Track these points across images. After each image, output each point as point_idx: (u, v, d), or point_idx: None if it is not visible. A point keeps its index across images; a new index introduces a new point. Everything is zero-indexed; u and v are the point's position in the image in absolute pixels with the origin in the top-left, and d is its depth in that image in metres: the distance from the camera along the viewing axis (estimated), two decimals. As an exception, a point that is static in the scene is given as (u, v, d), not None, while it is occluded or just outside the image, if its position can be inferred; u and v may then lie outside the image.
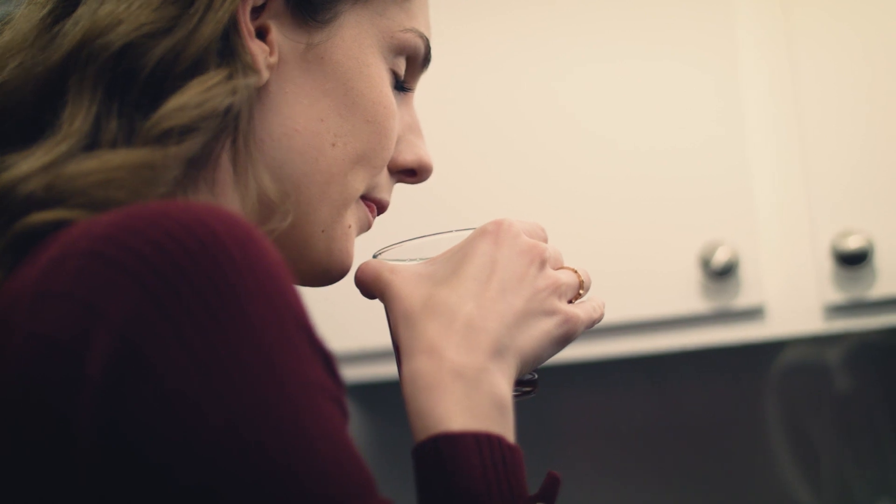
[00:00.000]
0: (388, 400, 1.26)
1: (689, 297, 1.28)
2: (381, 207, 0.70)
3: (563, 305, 0.64)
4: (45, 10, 0.61)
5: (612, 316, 1.30)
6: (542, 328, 0.62)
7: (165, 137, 0.55)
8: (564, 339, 0.64)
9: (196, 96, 0.56)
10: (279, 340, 0.47)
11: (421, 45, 0.68)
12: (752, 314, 1.27)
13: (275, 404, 0.46)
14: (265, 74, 0.61)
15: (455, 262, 0.62)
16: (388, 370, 1.36)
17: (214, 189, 0.60)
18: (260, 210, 0.61)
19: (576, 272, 0.67)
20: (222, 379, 0.45)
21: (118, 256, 0.46)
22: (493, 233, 0.62)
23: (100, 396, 0.44)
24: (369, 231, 0.70)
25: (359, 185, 0.66)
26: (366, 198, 0.68)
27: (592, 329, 1.30)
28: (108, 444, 0.44)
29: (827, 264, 1.23)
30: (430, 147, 0.72)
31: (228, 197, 0.60)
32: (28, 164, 0.54)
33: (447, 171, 1.38)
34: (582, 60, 1.37)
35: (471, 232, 0.64)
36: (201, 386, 0.45)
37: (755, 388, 1.54)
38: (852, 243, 1.20)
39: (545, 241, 0.67)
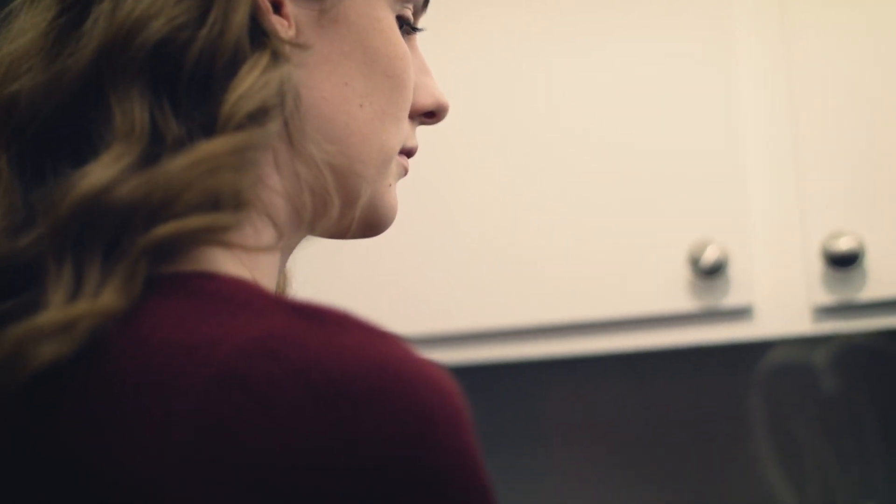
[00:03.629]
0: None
1: (677, 295, 1.28)
2: (412, 153, 0.72)
3: None
4: (51, 13, 0.59)
5: (599, 312, 1.31)
6: None
7: (251, 120, 0.55)
8: None
9: (259, 78, 0.56)
10: None
11: None
12: (741, 314, 1.27)
13: None
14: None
15: None
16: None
17: (281, 170, 0.60)
18: (336, 181, 0.62)
19: None
20: None
21: (321, 401, 0.46)
22: None
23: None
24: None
25: (393, 141, 0.67)
26: (400, 151, 0.69)
27: (580, 325, 1.30)
28: None
29: (817, 265, 1.23)
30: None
31: (292, 176, 0.61)
32: (102, 171, 0.52)
33: (432, 167, 1.37)
34: (570, 56, 1.36)
35: None
36: None
37: (741, 387, 1.53)
38: (843, 245, 1.19)
39: None
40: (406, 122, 0.69)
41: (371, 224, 0.69)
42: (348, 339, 0.48)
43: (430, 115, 0.72)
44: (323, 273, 1.35)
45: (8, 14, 0.63)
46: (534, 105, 1.37)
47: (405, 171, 0.71)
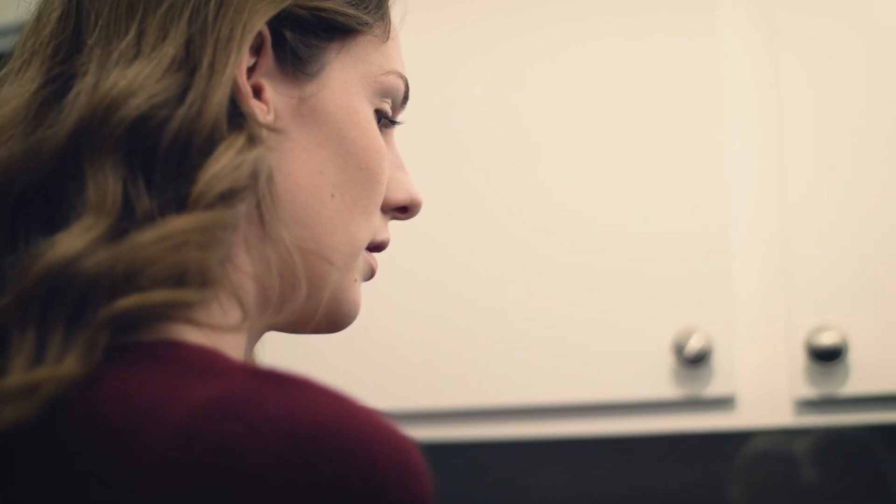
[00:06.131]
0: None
1: (660, 382, 1.28)
2: (383, 247, 0.72)
3: None
4: (35, 85, 0.60)
5: (583, 396, 1.31)
6: None
7: (222, 200, 0.56)
8: None
9: (233, 159, 0.57)
10: None
11: (401, 84, 0.70)
12: (723, 404, 1.27)
13: None
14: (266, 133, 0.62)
15: None
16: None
17: (251, 251, 0.61)
18: (305, 265, 0.63)
19: None
20: None
21: (284, 463, 0.47)
22: None
23: None
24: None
25: (362, 234, 0.67)
26: (369, 246, 0.70)
27: (563, 407, 1.30)
28: None
29: (800, 359, 1.23)
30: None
31: (261, 258, 0.61)
32: (70, 242, 0.53)
33: (416, 252, 1.38)
34: (560, 143, 1.38)
35: None
36: None
37: (721, 475, 1.53)
38: (827, 339, 1.20)
39: None
40: (377, 216, 0.69)
41: (333, 319, 0.69)
42: (303, 398, 0.49)
43: (403, 210, 0.73)
44: (311, 348, 1.35)
45: None
46: (519, 196, 1.38)
47: (372, 272, 0.71)
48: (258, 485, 0.45)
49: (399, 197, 0.72)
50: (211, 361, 0.52)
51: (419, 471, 0.49)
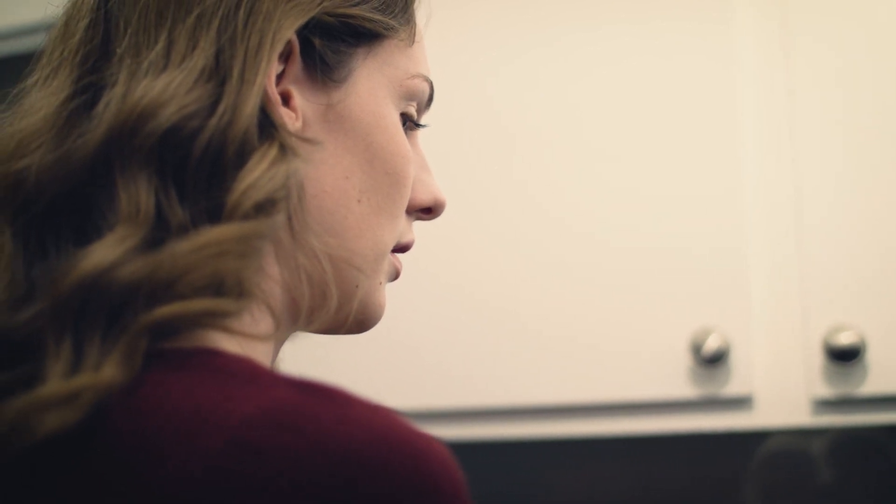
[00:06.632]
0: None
1: (678, 382, 1.27)
2: (408, 248, 0.72)
3: None
4: (64, 94, 0.60)
5: (601, 395, 1.31)
6: None
7: (257, 211, 0.56)
8: None
9: (267, 171, 0.57)
10: None
11: (427, 87, 0.71)
12: (741, 403, 1.26)
13: None
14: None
15: None
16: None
17: (281, 260, 0.61)
18: (335, 273, 0.63)
19: None
20: None
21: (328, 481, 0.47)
22: None
23: None
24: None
25: (388, 237, 0.67)
26: (394, 247, 0.70)
27: (581, 407, 1.30)
28: None
29: (818, 358, 1.23)
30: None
31: (292, 267, 0.61)
32: (106, 252, 0.53)
33: (436, 253, 1.37)
34: (578, 154, 1.38)
35: None
36: None
37: (739, 475, 1.52)
38: (844, 339, 1.20)
39: None
40: (402, 219, 0.69)
41: (360, 321, 0.69)
42: (355, 414, 0.50)
43: (427, 210, 0.73)
44: (324, 348, 1.35)
45: (20, 92, 0.64)
46: (532, 195, 1.38)
47: (397, 274, 0.72)
48: (320, 497, 0.46)
49: (424, 198, 0.72)
50: (255, 372, 0.53)
51: (462, 482, 0.50)
